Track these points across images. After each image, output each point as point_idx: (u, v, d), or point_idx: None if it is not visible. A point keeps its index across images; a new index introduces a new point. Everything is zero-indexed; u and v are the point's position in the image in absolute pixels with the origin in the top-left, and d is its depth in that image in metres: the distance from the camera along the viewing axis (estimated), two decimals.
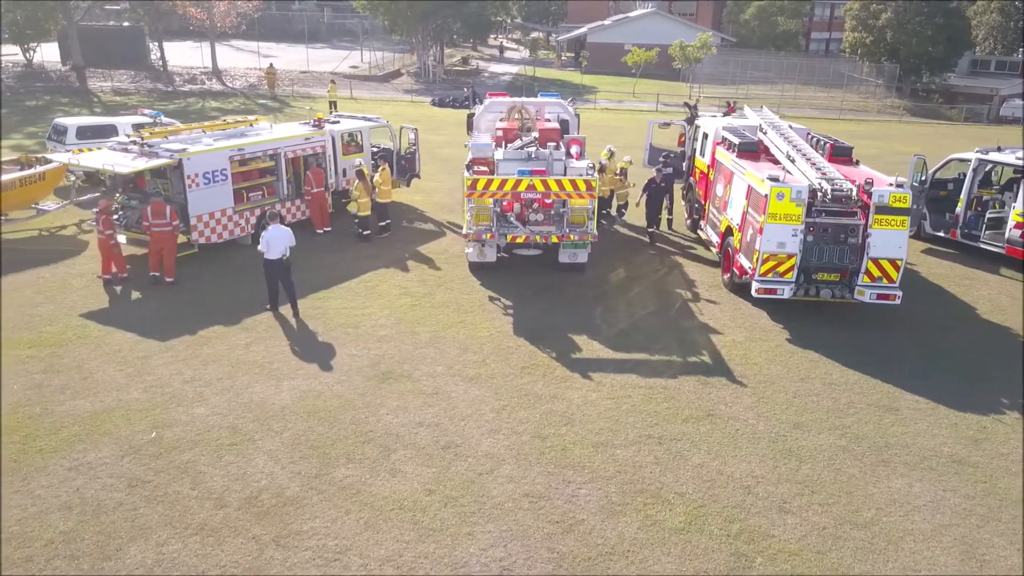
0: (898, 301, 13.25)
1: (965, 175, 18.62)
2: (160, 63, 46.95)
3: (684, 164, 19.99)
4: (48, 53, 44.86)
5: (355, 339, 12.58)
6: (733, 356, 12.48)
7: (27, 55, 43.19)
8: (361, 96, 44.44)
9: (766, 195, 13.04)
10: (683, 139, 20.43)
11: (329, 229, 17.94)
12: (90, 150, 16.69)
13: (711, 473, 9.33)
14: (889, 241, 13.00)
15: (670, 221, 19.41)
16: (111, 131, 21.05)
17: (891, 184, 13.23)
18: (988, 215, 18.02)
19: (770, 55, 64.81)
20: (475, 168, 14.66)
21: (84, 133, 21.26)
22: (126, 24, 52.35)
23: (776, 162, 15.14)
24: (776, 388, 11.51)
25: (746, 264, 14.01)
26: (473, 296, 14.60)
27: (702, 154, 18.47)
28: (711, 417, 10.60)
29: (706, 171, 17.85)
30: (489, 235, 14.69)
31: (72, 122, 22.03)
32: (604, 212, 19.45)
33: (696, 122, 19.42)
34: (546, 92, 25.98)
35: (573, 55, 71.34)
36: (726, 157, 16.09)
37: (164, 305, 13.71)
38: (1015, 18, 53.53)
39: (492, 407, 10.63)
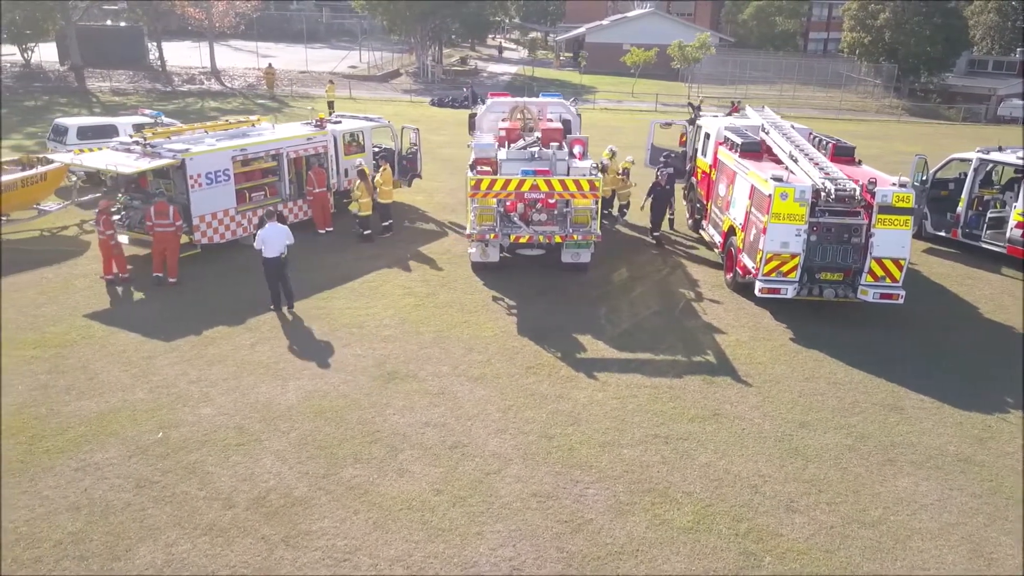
0: (901, 300, 13.29)
1: (966, 175, 18.67)
2: (159, 63, 46.88)
3: (687, 164, 20.00)
4: (46, 53, 44.78)
5: (360, 339, 12.58)
6: (737, 356, 12.50)
7: (25, 55, 43.09)
8: (360, 96, 44.42)
9: (770, 195, 13.06)
10: (684, 139, 20.46)
11: (331, 229, 17.93)
12: (91, 150, 16.67)
13: (718, 472, 9.34)
14: (892, 241, 13.02)
15: (671, 221, 19.42)
16: (112, 131, 21.03)
17: (894, 184, 13.26)
18: (989, 215, 18.07)
19: (768, 55, 64.86)
20: (479, 168, 14.67)
21: (85, 133, 21.23)
22: (124, 24, 52.27)
23: (779, 162, 15.15)
24: (781, 387, 11.53)
25: (749, 264, 14.03)
26: (476, 296, 14.60)
27: (704, 154, 18.48)
28: (717, 416, 10.61)
29: (708, 171, 17.87)
30: (493, 235, 14.70)
31: (73, 122, 21.99)
32: (606, 212, 19.47)
33: (698, 122, 19.45)
34: (548, 92, 26.01)
35: (571, 55, 71.37)
36: (729, 157, 16.11)
37: (168, 305, 13.69)
38: (1012, 18, 53.65)
39: (498, 407, 10.63)
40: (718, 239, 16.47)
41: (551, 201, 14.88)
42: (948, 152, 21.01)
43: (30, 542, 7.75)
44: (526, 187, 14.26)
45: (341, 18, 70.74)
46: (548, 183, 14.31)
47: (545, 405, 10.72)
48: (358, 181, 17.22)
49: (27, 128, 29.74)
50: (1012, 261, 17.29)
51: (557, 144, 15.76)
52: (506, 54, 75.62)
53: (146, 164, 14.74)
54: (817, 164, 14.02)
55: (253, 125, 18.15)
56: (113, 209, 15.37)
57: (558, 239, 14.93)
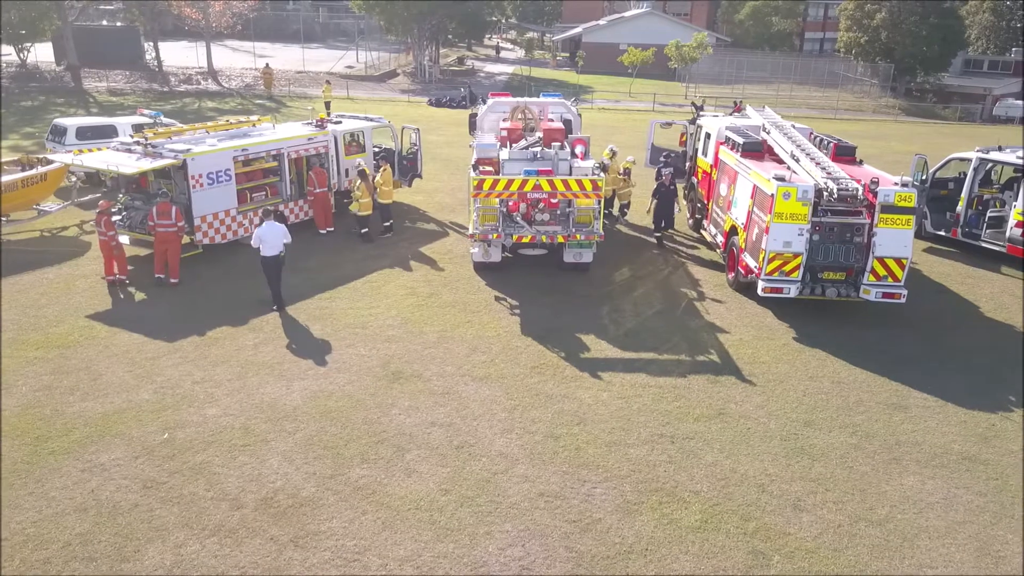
0: (903, 300, 13.33)
1: (966, 174, 18.73)
2: (155, 63, 46.73)
3: (687, 164, 20.02)
4: (42, 53, 44.60)
5: (363, 339, 12.56)
6: (741, 355, 12.52)
7: (21, 55, 42.92)
8: (358, 96, 44.34)
9: (772, 194, 13.09)
10: (684, 139, 20.48)
11: (332, 229, 17.91)
12: (90, 151, 16.61)
13: (725, 471, 9.36)
14: (894, 240, 13.07)
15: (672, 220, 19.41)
16: (111, 132, 20.95)
17: (896, 183, 13.30)
18: (989, 214, 18.12)
19: (765, 55, 64.96)
20: (481, 168, 14.67)
21: (84, 134, 21.14)
22: (120, 24, 52.10)
23: (780, 162, 15.18)
24: (785, 387, 11.56)
25: (752, 263, 14.05)
26: (479, 296, 14.60)
27: (704, 154, 18.51)
28: (722, 416, 10.63)
29: (709, 171, 17.89)
30: (495, 235, 14.70)
31: (71, 122, 21.89)
32: (606, 212, 19.47)
33: (698, 122, 19.47)
34: (548, 92, 26.00)
35: (568, 55, 71.39)
36: (730, 157, 16.13)
37: (170, 306, 13.66)
38: (1008, 18, 53.91)
39: (504, 407, 10.63)
40: (720, 239, 16.49)
41: (554, 201, 14.88)
42: (945, 151, 21.09)
43: (38, 543, 7.73)
44: (529, 187, 14.25)
45: (338, 18, 70.62)
46: (551, 183, 14.30)
47: (550, 405, 10.73)
48: (358, 181, 17.21)
49: (24, 128, 29.63)
50: (1012, 260, 17.35)
51: (559, 144, 15.76)
52: (503, 54, 75.60)
53: (147, 164, 14.70)
54: (819, 164, 14.05)
55: (254, 125, 18.11)
56: (113, 210, 15.33)
57: (561, 239, 14.93)
